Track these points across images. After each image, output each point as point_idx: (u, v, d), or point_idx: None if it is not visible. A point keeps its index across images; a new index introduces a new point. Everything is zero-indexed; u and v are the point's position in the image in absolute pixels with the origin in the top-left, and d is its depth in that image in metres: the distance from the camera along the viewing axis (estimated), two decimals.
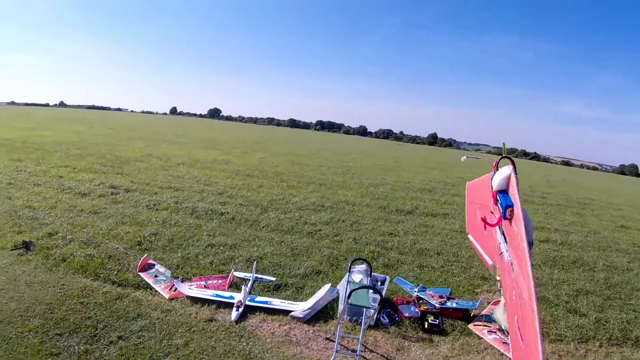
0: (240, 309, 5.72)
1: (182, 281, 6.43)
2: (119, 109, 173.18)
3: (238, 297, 5.98)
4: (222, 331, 5.33)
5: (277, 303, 6.06)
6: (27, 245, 7.31)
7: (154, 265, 6.91)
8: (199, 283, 6.47)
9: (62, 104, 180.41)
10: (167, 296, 5.99)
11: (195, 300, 5.96)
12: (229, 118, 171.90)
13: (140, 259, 6.97)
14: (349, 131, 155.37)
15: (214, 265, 7.30)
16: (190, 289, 6.16)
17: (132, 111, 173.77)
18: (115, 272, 6.59)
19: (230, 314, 5.69)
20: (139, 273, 6.59)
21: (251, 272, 6.86)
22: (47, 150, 20.01)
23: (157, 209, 10.40)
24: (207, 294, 6.09)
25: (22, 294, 5.76)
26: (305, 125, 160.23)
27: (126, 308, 5.61)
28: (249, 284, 6.45)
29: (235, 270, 7.03)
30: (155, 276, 6.50)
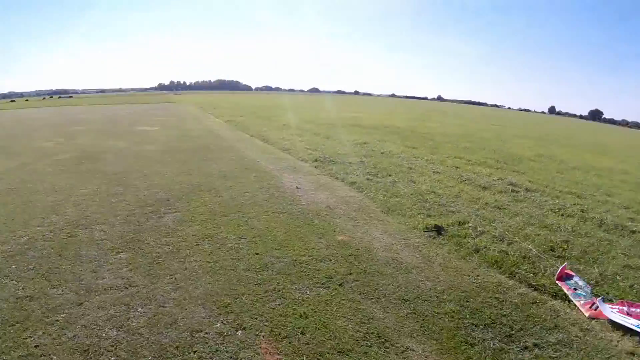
0: None
1: (603, 301, 5.97)
2: (495, 106, 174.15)
3: None
4: None
5: None
6: (438, 230, 7.66)
7: (572, 276, 6.46)
8: (620, 308, 5.83)
9: (439, 98, 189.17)
10: (586, 314, 5.53)
11: (617, 326, 5.38)
12: (611, 121, 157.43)
13: (557, 266, 6.64)
14: None
15: (634, 291, 6.45)
16: (612, 312, 5.63)
17: (508, 108, 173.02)
18: (531, 275, 6.37)
19: None
20: (557, 281, 6.24)
21: None
22: (436, 140, 21.08)
23: (562, 215, 9.83)
24: (632, 323, 5.44)
25: (437, 276, 6.01)
26: None
27: (543, 316, 5.35)
28: None
29: None
30: (574, 289, 6.06)
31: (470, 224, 8.21)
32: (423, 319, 4.93)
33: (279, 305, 5.05)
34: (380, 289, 5.54)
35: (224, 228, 7.50)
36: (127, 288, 5.41)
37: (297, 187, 10.31)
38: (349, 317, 4.88)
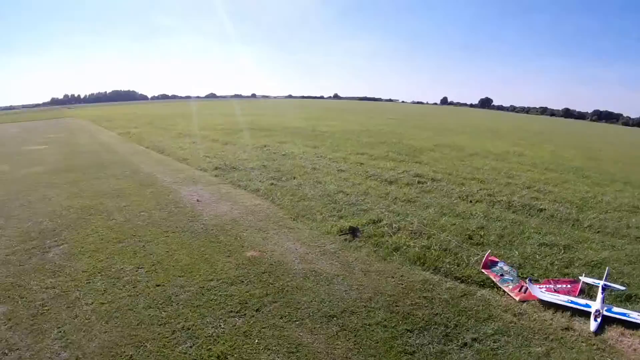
0: (599, 320, 4.97)
1: (531, 282, 5.77)
2: (390, 100, 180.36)
3: (594, 305, 5.22)
4: (582, 342, 4.63)
5: (635, 316, 5.13)
6: (353, 231, 7.31)
7: (497, 262, 6.37)
8: (548, 286, 5.74)
9: (336, 96, 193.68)
10: (517, 298, 5.45)
11: (547, 304, 5.29)
12: (500, 108, 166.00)
13: (479, 254, 6.54)
14: (628, 122, 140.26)
15: (556, 268, 6.44)
16: (541, 292, 5.49)
17: (403, 102, 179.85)
18: (455, 267, 6.18)
19: (587, 323, 4.98)
20: (483, 270, 6.10)
21: (601, 279, 5.96)
22: (337, 137, 21.08)
23: (471, 201, 9.91)
24: (561, 299, 5.37)
25: (360, 283, 5.63)
26: (580, 116, 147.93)
27: (475, 307, 5.15)
28: (601, 292, 5.58)
29: (583, 276, 6.16)
30: (501, 275, 5.96)
31: (385, 222, 7.95)
32: (355, 335, 4.52)
33: (190, 347, 4.37)
34: (303, 307, 5.04)
35: (118, 258, 6.59)
36: (6, 354, 4.46)
37: (197, 200, 9.61)
38: (273, 348, 4.35)
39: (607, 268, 6.26)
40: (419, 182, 11.43)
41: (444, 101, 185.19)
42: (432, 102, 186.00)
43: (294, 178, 11.51)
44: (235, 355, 4.25)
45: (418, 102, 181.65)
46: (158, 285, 5.63)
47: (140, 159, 15.79)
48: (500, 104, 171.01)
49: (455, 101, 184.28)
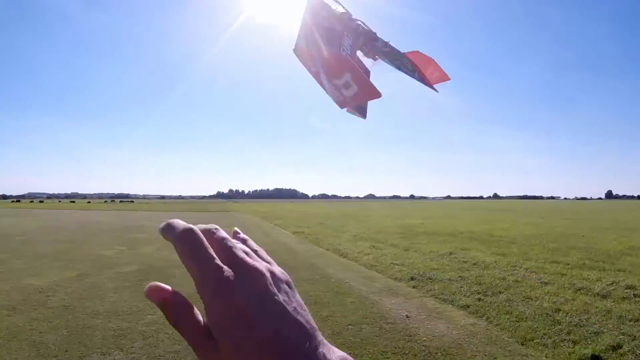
0: None
1: None
2: (551, 197, 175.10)
3: None
4: None
5: None
6: None
7: None
8: None
9: (495, 196, 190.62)
10: None
11: None
12: None
13: None
14: None
15: None
16: None
17: (565, 198, 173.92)
18: None
19: None
20: None
21: None
22: (520, 243, 19.71)
23: None
24: None
25: None
26: None
27: None
28: None
29: None
30: None
31: (626, 348, 6.81)
32: None
33: None
34: None
35: None
36: None
37: (406, 316, 8.57)
38: None
39: None
40: (634, 295, 9.92)
41: (609, 195, 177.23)
42: (597, 197, 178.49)
43: (500, 292, 10.37)
44: None
45: (581, 198, 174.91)
46: None
47: (325, 262, 15.04)
48: None
49: (620, 194, 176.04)
